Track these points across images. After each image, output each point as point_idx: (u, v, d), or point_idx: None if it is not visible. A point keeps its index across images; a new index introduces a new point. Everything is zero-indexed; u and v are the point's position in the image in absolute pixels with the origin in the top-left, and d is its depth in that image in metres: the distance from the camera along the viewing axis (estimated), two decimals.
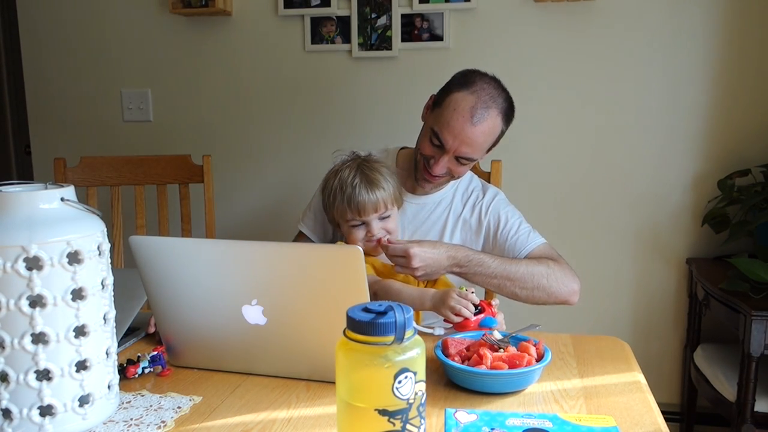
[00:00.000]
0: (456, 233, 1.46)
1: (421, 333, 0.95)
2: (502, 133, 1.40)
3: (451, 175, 1.42)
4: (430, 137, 1.37)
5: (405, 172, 1.51)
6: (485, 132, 1.34)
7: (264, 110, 2.31)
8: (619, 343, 1.13)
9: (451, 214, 1.47)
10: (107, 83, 2.40)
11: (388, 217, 1.35)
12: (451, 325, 1.14)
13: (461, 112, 1.32)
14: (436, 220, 1.47)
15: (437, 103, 1.39)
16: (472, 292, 1.14)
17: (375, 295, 1.27)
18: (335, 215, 1.38)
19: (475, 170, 1.67)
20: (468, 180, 1.53)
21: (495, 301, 1.18)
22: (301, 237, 1.54)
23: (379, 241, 1.31)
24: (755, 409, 1.69)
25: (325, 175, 1.45)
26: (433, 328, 1.18)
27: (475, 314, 1.12)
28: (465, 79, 1.37)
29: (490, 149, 1.42)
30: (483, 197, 1.48)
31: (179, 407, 0.89)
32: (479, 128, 1.33)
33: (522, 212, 1.50)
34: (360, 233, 1.34)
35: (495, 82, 1.38)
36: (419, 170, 1.44)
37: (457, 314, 1.12)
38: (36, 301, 0.74)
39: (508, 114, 1.39)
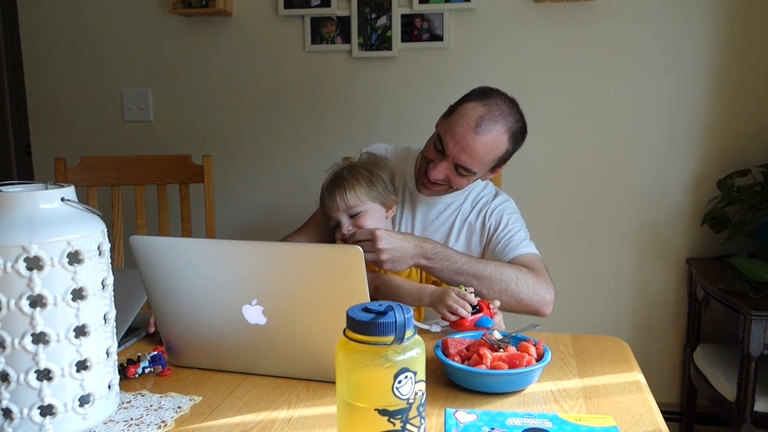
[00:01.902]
0: (461, 236, 1.45)
1: (418, 329, 0.95)
2: (508, 154, 1.38)
3: (449, 185, 1.40)
4: (435, 141, 1.38)
5: (419, 171, 1.51)
6: (487, 144, 1.32)
7: (264, 110, 2.31)
8: (619, 343, 1.13)
9: (458, 217, 1.47)
10: (107, 83, 2.40)
11: (359, 213, 1.35)
12: (448, 323, 1.15)
13: (467, 120, 1.32)
14: (444, 222, 1.47)
15: (450, 110, 1.40)
16: (471, 293, 1.15)
17: (376, 290, 1.28)
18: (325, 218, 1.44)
19: None
20: (482, 186, 1.52)
21: (496, 303, 1.18)
22: (317, 214, 1.54)
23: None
24: (755, 409, 1.70)
25: None
26: (430, 325, 1.19)
27: (473, 314, 1.12)
28: (482, 93, 1.37)
29: (495, 169, 1.40)
30: (491, 201, 1.47)
31: (179, 407, 0.89)
32: (481, 139, 1.31)
33: (522, 212, 1.50)
34: (338, 234, 1.37)
35: (511, 102, 1.37)
36: (420, 173, 1.44)
37: (454, 313, 1.12)
38: (36, 301, 0.74)
39: (517, 135, 1.36)
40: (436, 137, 1.38)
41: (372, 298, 1.32)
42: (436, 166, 1.36)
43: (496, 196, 1.49)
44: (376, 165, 1.43)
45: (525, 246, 1.39)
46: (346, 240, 1.33)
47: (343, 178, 1.36)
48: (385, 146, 1.58)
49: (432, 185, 1.41)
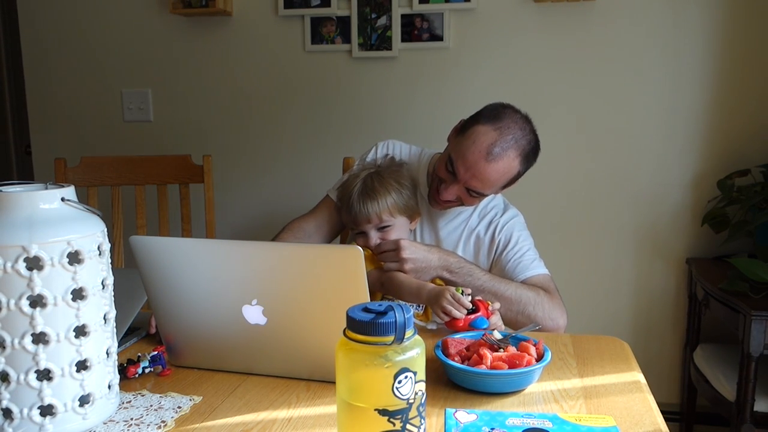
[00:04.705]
0: (469, 247, 1.45)
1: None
2: (519, 175, 1.37)
3: (461, 203, 1.40)
4: (446, 162, 1.36)
5: (431, 183, 1.51)
6: (498, 171, 1.31)
7: (264, 110, 2.31)
8: (619, 343, 1.13)
9: (466, 228, 1.47)
10: (108, 83, 2.40)
11: (388, 227, 1.36)
12: (444, 322, 1.16)
13: (479, 146, 1.30)
14: (453, 231, 1.47)
15: (462, 129, 1.37)
16: (468, 295, 1.15)
17: (382, 285, 1.29)
18: (344, 222, 1.45)
19: None
20: (490, 197, 1.50)
21: (496, 305, 1.18)
22: (326, 201, 1.54)
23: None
24: (755, 409, 1.70)
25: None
26: (427, 322, 1.21)
27: (469, 314, 1.13)
28: (494, 113, 1.33)
29: (505, 187, 1.40)
30: (501, 216, 1.46)
31: (179, 407, 0.89)
32: (493, 166, 1.30)
33: (522, 212, 1.50)
34: (360, 242, 1.37)
35: (524, 122, 1.34)
36: (432, 190, 1.43)
37: (447, 314, 1.13)
38: (36, 301, 0.74)
39: (529, 158, 1.35)
40: (447, 158, 1.36)
41: (377, 293, 1.32)
42: (447, 188, 1.36)
43: (505, 210, 1.48)
44: (402, 175, 1.42)
45: (536, 266, 1.38)
46: (371, 249, 1.34)
47: (375, 190, 1.35)
48: (401, 145, 1.58)
49: (442, 203, 1.41)
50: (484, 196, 1.38)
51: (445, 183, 1.37)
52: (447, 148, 1.41)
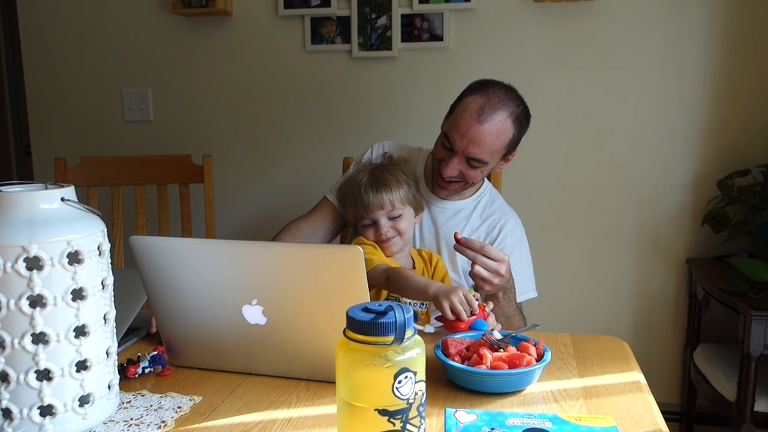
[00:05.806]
0: None
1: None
2: (515, 139, 1.40)
3: (465, 180, 1.42)
4: (442, 140, 1.40)
5: (431, 173, 1.52)
6: (492, 132, 1.34)
7: (264, 110, 2.31)
8: (619, 342, 1.13)
9: (467, 226, 1.48)
10: (108, 83, 2.40)
11: (399, 216, 1.37)
12: (442, 324, 1.15)
13: (469, 112, 1.34)
14: (454, 228, 1.48)
15: (451, 109, 1.42)
16: (477, 300, 1.14)
17: (388, 280, 1.27)
18: (349, 217, 1.44)
19: None
20: (491, 198, 1.53)
21: (490, 305, 1.18)
22: (324, 202, 1.54)
23: (455, 236, 1.26)
24: (755, 409, 1.69)
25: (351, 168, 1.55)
26: (424, 325, 1.21)
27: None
28: (479, 85, 1.40)
29: (505, 156, 1.42)
30: (506, 224, 1.48)
31: (179, 407, 0.89)
32: (485, 127, 1.34)
33: (522, 211, 1.51)
34: (370, 233, 1.37)
35: (508, 89, 1.40)
36: (434, 175, 1.45)
37: (455, 312, 1.12)
38: (36, 301, 0.74)
39: (520, 119, 1.38)
40: (442, 136, 1.40)
41: (382, 288, 1.32)
42: (448, 164, 1.38)
43: (508, 216, 1.50)
44: (406, 170, 1.44)
45: (527, 290, 1.46)
46: (459, 242, 1.26)
47: (385, 179, 1.37)
48: (397, 145, 1.59)
49: (448, 184, 1.42)
50: (484, 164, 1.38)
51: (444, 160, 1.39)
52: (441, 133, 1.44)
